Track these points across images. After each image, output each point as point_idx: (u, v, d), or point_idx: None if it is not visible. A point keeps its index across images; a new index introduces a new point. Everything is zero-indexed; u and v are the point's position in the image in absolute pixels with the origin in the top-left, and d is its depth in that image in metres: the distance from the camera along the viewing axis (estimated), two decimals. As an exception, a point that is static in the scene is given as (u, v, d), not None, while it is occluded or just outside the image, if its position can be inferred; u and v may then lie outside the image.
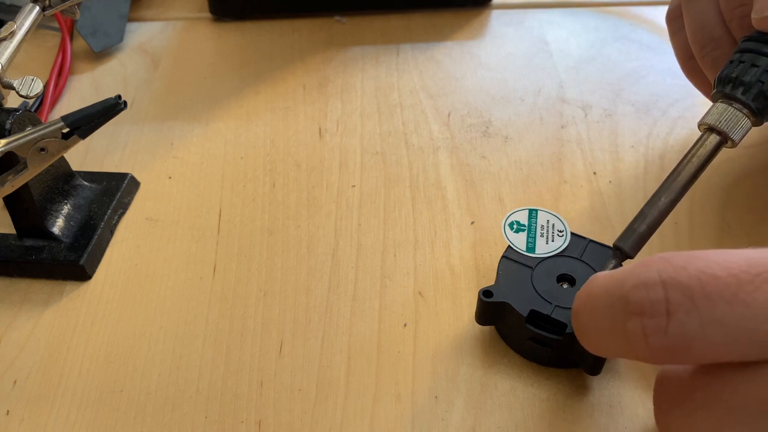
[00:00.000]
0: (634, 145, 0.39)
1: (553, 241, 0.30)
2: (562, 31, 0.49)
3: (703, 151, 0.28)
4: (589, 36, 0.48)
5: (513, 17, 0.50)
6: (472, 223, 0.35)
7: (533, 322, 0.27)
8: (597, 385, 0.28)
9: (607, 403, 0.27)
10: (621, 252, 0.27)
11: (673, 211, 0.34)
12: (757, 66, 0.28)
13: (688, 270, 0.19)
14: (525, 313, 0.27)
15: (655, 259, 0.20)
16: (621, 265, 0.28)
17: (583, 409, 0.27)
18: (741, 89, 0.28)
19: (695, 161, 0.28)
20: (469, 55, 0.47)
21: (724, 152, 0.38)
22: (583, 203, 0.35)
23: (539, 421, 0.27)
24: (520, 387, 0.28)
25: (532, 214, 0.31)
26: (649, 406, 0.27)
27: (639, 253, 0.27)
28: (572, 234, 0.30)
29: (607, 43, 0.47)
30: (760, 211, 0.35)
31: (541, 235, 0.30)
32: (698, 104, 0.41)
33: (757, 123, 0.29)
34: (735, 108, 0.28)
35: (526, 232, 0.30)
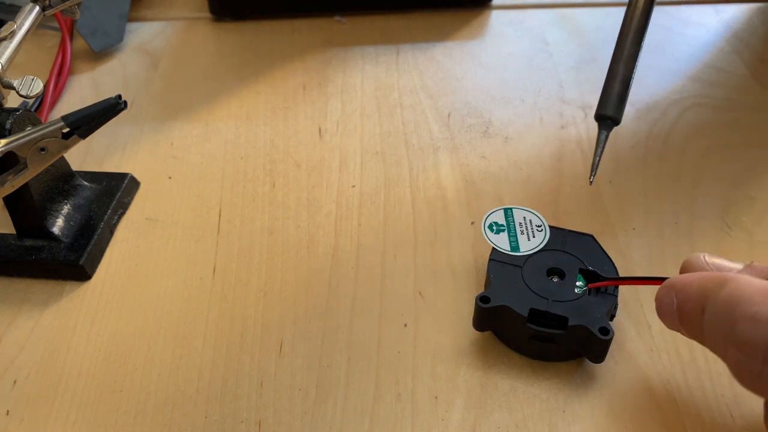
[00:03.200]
0: (634, 146, 0.39)
1: (534, 236, 0.30)
2: (562, 31, 0.49)
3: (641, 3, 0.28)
4: (589, 36, 0.48)
5: (513, 17, 0.50)
6: (472, 223, 0.35)
7: (534, 320, 0.27)
8: (597, 384, 0.28)
9: (607, 403, 0.27)
10: (607, 119, 0.27)
11: (673, 211, 0.34)
12: None
13: None
14: (525, 313, 0.27)
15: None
16: (608, 136, 0.28)
17: (583, 409, 0.27)
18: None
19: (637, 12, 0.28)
20: (469, 55, 0.46)
21: (725, 152, 0.38)
22: (583, 203, 0.35)
23: (539, 421, 0.27)
24: (520, 387, 0.28)
25: (508, 213, 0.31)
26: (650, 405, 0.27)
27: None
28: (550, 227, 0.31)
29: (607, 43, 0.47)
30: (760, 211, 0.35)
31: (521, 233, 0.30)
32: (698, 104, 0.41)
33: None
34: None
35: (506, 231, 0.31)
